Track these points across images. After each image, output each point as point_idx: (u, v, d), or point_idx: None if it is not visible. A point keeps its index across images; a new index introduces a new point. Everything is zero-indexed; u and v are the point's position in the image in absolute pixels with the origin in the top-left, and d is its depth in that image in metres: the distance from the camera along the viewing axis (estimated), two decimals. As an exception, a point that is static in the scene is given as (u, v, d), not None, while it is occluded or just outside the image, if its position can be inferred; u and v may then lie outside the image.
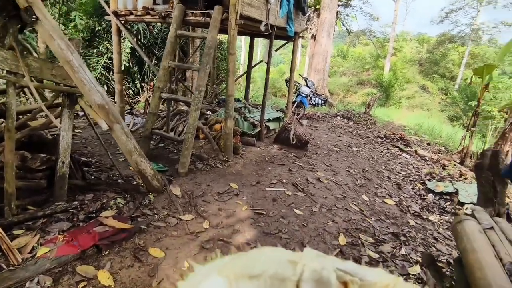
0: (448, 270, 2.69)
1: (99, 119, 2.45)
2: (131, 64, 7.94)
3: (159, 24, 7.72)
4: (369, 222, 3.35)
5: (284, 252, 0.44)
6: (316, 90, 8.93)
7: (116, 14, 4.50)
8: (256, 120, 5.42)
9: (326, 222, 3.13)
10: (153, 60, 7.66)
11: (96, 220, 2.40)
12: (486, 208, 3.44)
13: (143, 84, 8.23)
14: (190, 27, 6.31)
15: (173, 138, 4.09)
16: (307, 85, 8.03)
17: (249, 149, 4.95)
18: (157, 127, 4.88)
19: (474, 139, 7.32)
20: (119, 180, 3.27)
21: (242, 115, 5.45)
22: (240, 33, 6.62)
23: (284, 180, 3.92)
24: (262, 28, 4.58)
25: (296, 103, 7.62)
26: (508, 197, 4.94)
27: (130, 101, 7.83)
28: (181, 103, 5.47)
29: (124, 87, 7.79)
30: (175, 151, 4.42)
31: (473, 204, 4.06)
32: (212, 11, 3.76)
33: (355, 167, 4.99)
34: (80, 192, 2.78)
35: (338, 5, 15.40)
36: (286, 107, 6.92)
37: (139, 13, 4.26)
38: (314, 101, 8.37)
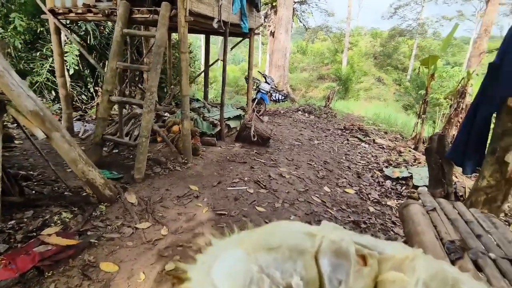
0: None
1: (33, 128, 2.23)
2: (81, 67, 7.44)
3: (110, 24, 7.31)
4: (331, 213, 3.40)
5: (301, 225, 0.43)
6: (276, 86, 8.99)
7: (53, 12, 4.16)
8: (216, 120, 5.32)
9: (288, 216, 3.12)
10: (107, 62, 7.23)
11: (36, 239, 2.18)
12: (436, 189, 3.65)
13: (97, 88, 7.77)
14: (142, 26, 6.04)
15: (126, 143, 3.87)
16: (266, 82, 8.05)
17: (210, 149, 4.84)
18: (110, 133, 4.61)
19: (426, 125, 7.79)
20: (65, 193, 3.02)
21: (201, 115, 5.31)
22: (192, 31, 6.47)
23: (246, 178, 3.87)
24: (215, 25, 4.48)
25: (256, 100, 7.60)
26: (456, 177, 5.31)
27: (84, 106, 7.36)
28: (134, 106, 5.21)
29: (76, 92, 7.32)
30: (131, 156, 4.20)
31: (426, 186, 4.31)
32: (160, 8, 3.60)
33: (316, 160, 5.07)
34: (18, 210, 2.52)
35: (294, 2, 15.65)
36: (247, 104, 6.88)
37: (79, 11, 3.98)
38: (275, 97, 8.42)
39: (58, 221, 2.46)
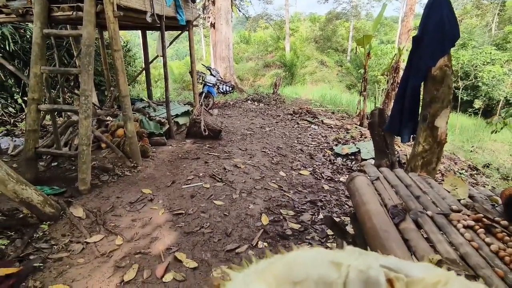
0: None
1: None
2: (3, 77, 6.62)
3: (31, 25, 6.56)
4: (288, 196, 3.49)
5: (325, 253, 0.40)
6: (222, 78, 8.89)
7: (-46, 16, 3.61)
8: (163, 118, 5.12)
9: (247, 206, 3.14)
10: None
11: (-34, 275, 1.92)
12: (382, 160, 3.91)
13: (26, 98, 6.96)
14: (69, 25, 5.51)
15: (64, 154, 3.56)
16: (212, 75, 7.91)
17: (160, 149, 4.65)
18: (46, 145, 4.20)
19: (368, 102, 8.31)
20: (-2, 218, 2.70)
21: (147, 115, 5.07)
22: (126, 27, 6.10)
23: (201, 174, 3.80)
24: (149, 19, 4.25)
25: (204, 93, 7.45)
26: (399, 146, 5.76)
27: (13, 120, 6.59)
28: (70, 113, 4.79)
29: (0, 105, 6.51)
30: (73, 168, 3.87)
31: (373, 158, 4.60)
32: (83, 4, 3.30)
33: (270, 147, 5.14)
34: None
35: (231, -9, 15.47)
36: (194, 99, 6.71)
37: (-13, 13, 3.50)
38: (222, 89, 8.33)
39: (-8, 251, 2.20)
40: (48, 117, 5.67)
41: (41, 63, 3.38)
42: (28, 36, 6.95)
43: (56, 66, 5.01)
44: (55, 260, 2.25)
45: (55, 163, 4.02)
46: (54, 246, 2.39)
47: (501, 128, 6.35)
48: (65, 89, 5.46)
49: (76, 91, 6.00)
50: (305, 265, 0.37)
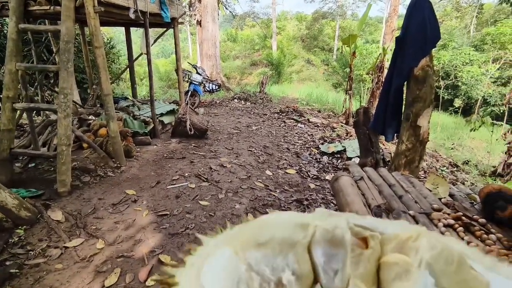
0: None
1: None
2: (-24, 74, 6.35)
3: (7, 20, 6.30)
4: (274, 195, 3.48)
5: (293, 215, 0.40)
6: (208, 76, 8.80)
7: None
8: (148, 117, 5.02)
9: (233, 206, 3.11)
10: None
11: None
12: (367, 158, 3.95)
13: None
14: (48, 20, 5.32)
15: (42, 154, 3.43)
16: (198, 73, 7.83)
17: (145, 148, 4.56)
18: (23, 145, 4.04)
19: (353, 100, 8.40)
20: (-30, 222, 2.57)
21: (131, 114, 4.96)
22: (108, 23, 5.94)
23: (186, 174, 3.74)
24: (132, 15, 4.15)
25: (190, 92, 7.36)
26: (383, 144, 5.84)
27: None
28: (48, 112, 4.64)
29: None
30: (52, 169, 3.74)
31: (358, 157, 4.65)
32: (61, -2, 3.18)
33: (256, 146, 5.12)
34: None
35: (218, -11, 15.32)
36: (180, 98, 6.61)
37: (-42, 7, 3.33)
38: (208, 88, 8.26)
39: (-37, 257, 2.09)
40: (25, 115, 5.47)
41: (17, 60, 3.24)
42: (5, 32, 6.68)
43: (34, 62, 4.82)
44: (32, 266, 2.17)
45: (33, 164, 3.87)
46: (31, 252, 2.30)
47: (479, 126, 6.54)
48: (45, 87, 5.27)
49: (56, 89, 5.80)
50: (272, 227, 0.37)
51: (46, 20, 5.33)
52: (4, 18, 6.15)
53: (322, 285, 0.34)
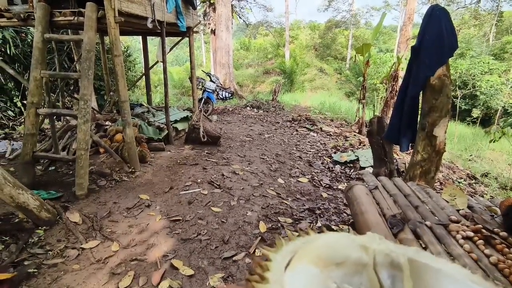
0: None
1: None
2: (3, 80, 6.62)
3: (32, 29, 6.59)
4: (286, 203, 3.47)
5: (353, 237, 0.44)
6: (222, 84, 8.92)
7: (-44, 20, 3.62)
8: (162, 124, 5.11)
9: (245, 213, 3.12)
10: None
11: (-41, 280, 1.89)
12: (381, 168, 3.90)
13: (25, 101, 6.95)
14: (70, 30, 5.54)
15: (62, 158, 3.54)
16: (211, 81, 7.94)
17: (159, 154, 4.64)
18: (44, 149, 4.19)
19: (367, 109, 8.33)
20: (-7, 222, 2.67)
21: (146, 120, 5.06)
22: (127, 32, 6.13)
23: (199, 180, 3.78)
24: (149, 25, 4.27)
25: (203, 99, 7.47)
26: (397, 154, 5.76)
27: (11, 123, 6.58)
28: (69, 118, 4.79)
29: (0, 107, 6.50)
30: (71, 172, 3.85)
31: (372, 166, 4.60)
32: (84, 9, 3.32)
33: (268, 153, 5.13)
34: None
35: (232, -1, 15.64)
36: (193, 105, 6.72)
37: (-12, 17, 3.52)
38: (222, 95, 8.36)
39: (-14, 256, 2.17)
40: (47, 121, 5.66)
41: (41, 67, 3.38)
42: (29, 40, 6.97)
43: (56, 70, 5.01)
44: (50, 266, 2.23)
45: (53, 168, 4.00)
46: (49, 252, 2.36)
47: (499, 138, 6.36)
48: (65, 93, 5.45)
49: (75, 96, 6.00)
50: (340, 248, 0.40)
51: (68, 30, 5.56)
52: (28, 27, 6.44)
53: None
